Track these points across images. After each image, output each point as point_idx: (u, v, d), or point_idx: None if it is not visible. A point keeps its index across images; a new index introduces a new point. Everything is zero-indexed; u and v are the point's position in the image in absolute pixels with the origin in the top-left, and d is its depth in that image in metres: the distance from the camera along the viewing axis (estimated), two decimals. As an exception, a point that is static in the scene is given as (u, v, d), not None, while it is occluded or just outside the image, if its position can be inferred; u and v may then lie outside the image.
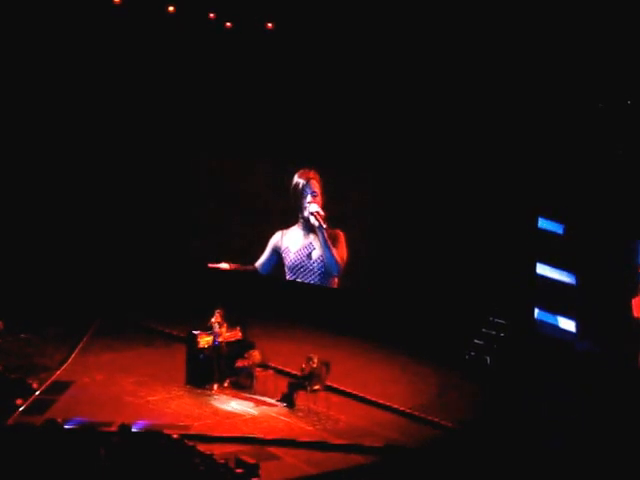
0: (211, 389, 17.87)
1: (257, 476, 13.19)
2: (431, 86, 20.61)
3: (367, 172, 22.39)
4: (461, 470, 15.02)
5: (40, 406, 16.45)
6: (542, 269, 19.59)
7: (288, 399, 17.16)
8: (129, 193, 24.30)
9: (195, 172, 24.38)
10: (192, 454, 13.30)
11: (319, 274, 22.78)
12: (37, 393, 17.06)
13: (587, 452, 15.56)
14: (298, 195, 22.65)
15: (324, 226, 22.17)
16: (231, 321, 18.46)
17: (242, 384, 18.06)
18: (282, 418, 16.73)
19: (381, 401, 17.49)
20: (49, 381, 17.77)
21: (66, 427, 14.71)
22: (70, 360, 19.18)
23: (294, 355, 18.82)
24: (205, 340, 18.06)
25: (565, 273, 19.25)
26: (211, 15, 21.05)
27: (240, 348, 18.35)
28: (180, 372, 18.18)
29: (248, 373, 18.04)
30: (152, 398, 17.35)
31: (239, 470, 13.13)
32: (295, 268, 23.00)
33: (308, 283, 22.95)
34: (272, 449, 15.37)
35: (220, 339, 18.08)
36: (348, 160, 22.08)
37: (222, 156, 23.91)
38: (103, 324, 21.64)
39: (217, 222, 24.02)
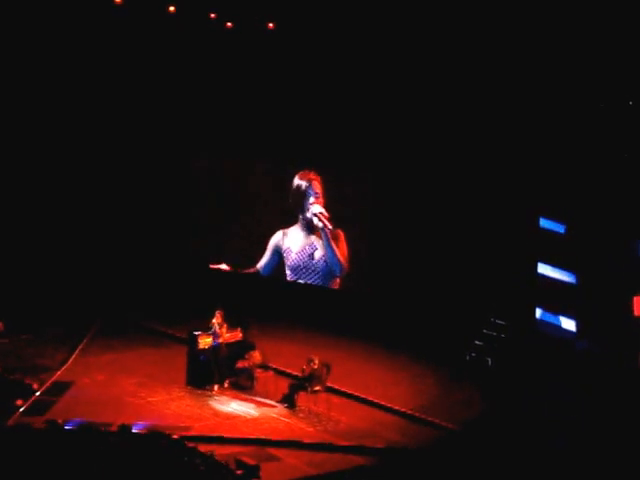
0: (211, 390, 17.85)
1: (258, 477, 13.19)
2: (432, 86, 20.59)
3: (367, 172, 22.37)
4: (462, 471, 15.00)
5: (40, 407, 16.42)
6: (543, 269, 19.58)
7: (289, 400, 17.14)
8: (129, 193, 24.28)
9: (195, 172, 24.37)
10: (192, 455, 13.29)
11: (321, 274, 22.76)
12: (37, 394, 17.03)
13: (588, 452, 15.54)
14: (300, 196, 22.63)
15: (330, 227, 22.14)
16: (231, 322, 18.44)
17: (242, 385, 18.04)
18: (283, 419, 16.71)
19: (382, 402, 17.47)
20: (49, 382, 17.74)
21: (66, 428, 14.71)
22: (70, 361, 19.15)
23: (295, 356, 18.81)
24: (205, 341, 18.04)
25: (566, 272, 19.24)
26: (212, 15, 21.01)
27: (240, 349, 18.34)
28: (181, 373, 18.16)
29: (249, 374, 18.03)
30: (152, 399, 17.32)
31: (240, 471, 13.14)
32: (297, 268, 22.99)
33: (309, 284, 22.94)
34: (273, 450, 15.34)
35: (220, 340, 18.05)
36: (348, 160, 22.06)
37: (222, 156, 23.90)
38: (103, 324, 21.63)
39: (217, 222, 24.01)
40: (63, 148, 23.68)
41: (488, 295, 20.22)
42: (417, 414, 17.04)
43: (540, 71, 18.81)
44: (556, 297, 19.45)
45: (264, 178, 23.48)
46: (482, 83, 19.87)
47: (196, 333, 18.17)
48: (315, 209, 22.31)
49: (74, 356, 19.45)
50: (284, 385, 17.53)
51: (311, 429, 16.33)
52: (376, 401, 17.54)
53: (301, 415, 16.88)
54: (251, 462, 13.47)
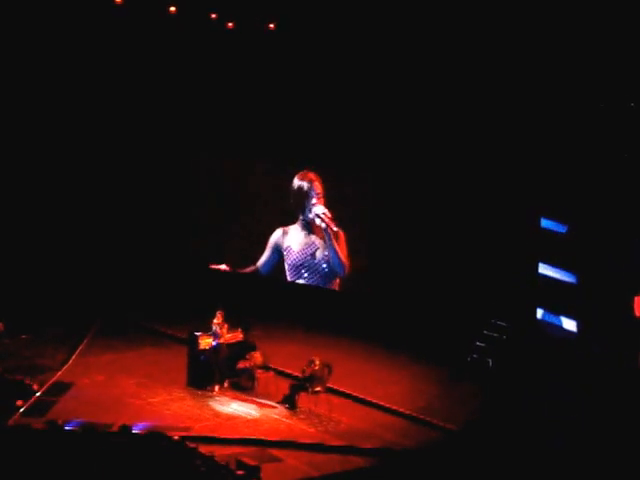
0: (212, 391, 17.82)
1: (258, 478, 13.20)
2: (432, 85, 20.58)
3: (367, 172, 22.35)
4: (463, 472, 14.99)
5: (40, 407, 16.40)
6: (544, 269, 19.57)
7: (289, 401, 17.12)
8: (129, 193, 24.27)
9: (195, 172, 24.36)
10: (193, 456, 13.28)
11: (323, 274, 22.76)
12: (37, 394, 17.01)
13: (588, 452, 15.53)
14: (302, 197, 22.62)
15: (335, 229, 22.10)
16: (232, 322, 18.41)
17: (243, 386, 18.02)
18: (283, 420, 16.69)
19: (383, 403, 17.45)
20: (49, 382, 17.70)
21: (66, 428, 14.70)
22: (70, 361, 19.13)
23: (295, 357, 18.79)
24: (206, 341, 18.02)
25: (567, 273, 19.22)
26: (213, 15, 20.99)
27: (241, 349, 18.31)
28: (181, 373, 18.14)
29: (249, 375, 18.00)
30: (153, 399, 17.30)
31: (240, 472, 13.12)
32: (298, 267, 22.98)
33: (309, 285, 22.92)
34: (273, 451, 15.32)
35: (221, 340, 18.03)
36: (348, 160, 22.05)
37: (222, 156, 23.89)
38: (104, 325, 21.62)
39: (217, 222, 24.00)
40: (63, 148, 23.66)
41: (489, 296, 20.20)
42: (418, 415, 17.02)
43: (541, 72, 18.79)
44: (557, 297, 19.43)
45: (264, 178, 23.48)
46: (483, 83, 19.85)
47: (197, 334, 18.15)
48: (318, 210, 22.31)
49: (74, 356, 19.43)
50: (285, 386, 17.52)
51: (312, 430, 16.30)
52: (377, 402, 17.52)
53: (302, 416, 16.86)
54: (252, 463, 13.46)
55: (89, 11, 21.64)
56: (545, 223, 19.54)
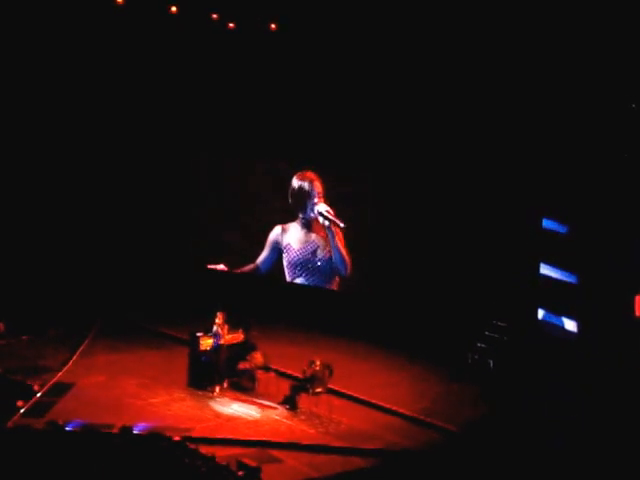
0: (213, 391, 17.80)
1: (259, 479, 13.17)
2: (432, 85, 20.57)
3: (367, 172, 22.33)
4: (463, 473, 14.98)
5: (41, 408, 16.37)
6: (545, 269, 19.56)
7: (290, 402, 17.11)
8: (129, 193, 24.27)
9: (195, 172, 24.35)
10: (193, 456, 13.29)
11: (322, 273, 22.77)
12: (38, 395, 16.99)
13: (588, 452, 15.52)
14: (303, 197, 22.60)
15: (341, 225, 22.06)
16: (233, 323, 18.40)
17: (244, 386, 18.00)
18: (284, 421, 16.68)
19: (383, 404, 17.44)
20: (50, 383, 17.69)
21: (67, 429, 14.72)
22: (71, 362, 19.12)
23: (296, 358, 18.78)
24: (207, 342, 18.01)
25: (567, 273, 19.22)
26: (214, 16, 20.98)
27: (242, 350, 18.31)
28: (182, 374, 18.13)
29: (250, 375, 17.99)
30: (154, 400, 17.28)
31: (241, 473, 13.13)
32: (298, 265, 22.99)
33: (309, 285, 22.91)
34: (274, 452, 15.30)
35: (222, 341, 18.01)
36: (348, 160, 22.04)
37: (222, 156, 23.88)
38: (104, 325, 21.61)
39: (217, 222, 24.00)
40: (64, 149, 23.65)
41: (490, 296, 20.19)
42: (419, 416, 17.00)
43: (542, 73, 18.78)
44: (558, 298, 19.42)
45: (264, 178, 23.46)
46: (484, 83, 19.84)
47: (198, 334, 18.14)
48: (321, 208, 22.30)
49: (75, 357, 19.42)
50: (285, 387, 17.50)
51: (312, 431, 16.28)
52: (377, 403, 17.50)
53: (302, 417, 16.84)
54: (252, 464, 13.43)
55: (90, 11, 21.61)
56: (546, 223, 19.53)
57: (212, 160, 24.14)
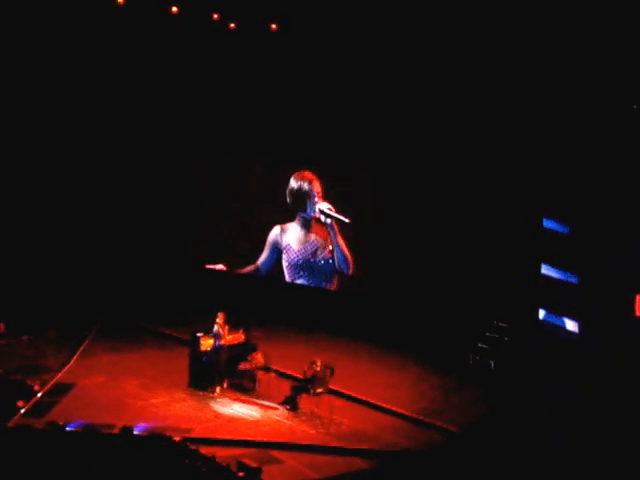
0: (213, 392, 17.79)
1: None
2: (433, 86, 20.56)
3: (367, 172, 22.31)
4: (464, 474, 14.96)
5: (41, 408, 16.37)
6: (546, 270, 19.55)
7: (291, 402, 17.09)
8: (129, 194, 24.27)
9: (195, 172, 24.35)
10: (194, 457, 13.29)
11: (322, 273, 22.77)
12: (39, 395, 17.00)
13: (588, 452, 15.51)
14: (303, 197, 22.61)
15: (347, 220, 22.03)
16: (233, 323, 18.38)
17: (245, 387, 17.99)
18: (285, 421, 16.66)
19: (384, 405, 17.42)
20: (51, 383, 17.70)
21: (67, 429, 14.71)
22: (72, 362, 19.13)
23: (297, 358, 18.76)
24: (208, 343, 17.99)
25: (568, 273, 19.20)
26: (215, 16, 20.97)
27: (243, 351, 18.30)
28: (182, 375, 18.12)
29: (251, 376, 17.98)
30: (154, 401, 17.27)
31: (241, 473, 13.13)
32: (298, 265, 22.99)
33: (309, 285, 22.90)
34: (274, 452, 15.28)
35: (222, 342, 17.99)
36: (348, 160, 22.03)
37: (222, 156, 23.87)
38: (104, 326, 21.61)
39: (217, 222, 24.00)
40: (64, 149, 23.63)
41: (491, 297, 20.17)
42: (419, 417, 16.99)
43: (544, 74, 18.76)
44: (559, 298, 19.41)
45: (264, 178, 23.45)
46: (485, 84, 19.83)
47: (198, 335, 18.12)
48: (322, 206, 22.31)
49: (75, 357, 19.43)
50: (286, 387, 17.49)
51: (313, 431, 16.27)
52: (378, 404, 17.49)
53: (303, 417, 16.82)
54: (253, 464, 13.44)
55: (91, 11, 21.60)
56: (547, 224, 19.51)
57: (212, 160, 24.13)
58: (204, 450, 13.78)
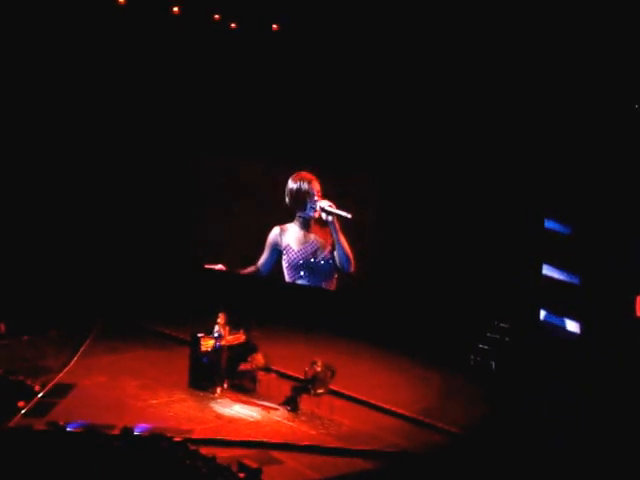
0: (214, 392, 17.76)
1: (260, 480, 13.15)
2: (434, 86, 20.55)
3: (367, 173, 22.29)
4: (465, 475, 14.95)
5: (42, 409, 16.34)
6: (547, 270, 19.54)
7: (292, 403, 17.07)
8: (129, 194, 24.26)
9: (195, 172, 24.35)
10: (194, 458, 13.28)
11: (322, 273, 22.77)
12: (39, 395, 16.97)
13: (588, 452, 15.51)
14: (303, 197, 22.61)
15: (349, 215, 22.01)
16: (234, 324, 18.37)
17: (245, 387, 17.97)
18: (285, 422, 16.64)
19: (385, 405, 17.41)
20: (51, 383, 17.66)
21: (68, 430, 14.69)
22: (72, 362, 19.10)
23: (297, 358, 18.75)
24: (208, 343, 17.97)
25: (569, 274, 19.19)
26: (216, 16, 20.97)
27: (243, 351, 18.28)
28: (183, 375, 18.10)
29: (251, 376, 17.96)
30: (155, 401, 17.25)
31: (242, 474, 13.11)
32: (298, 266, 22.99)
33: (309, 285, 22.89)
34: (275, 453, 15.27)
35: (223, 342, 17.98)
36: (348, 161, 22.02)
37: (222, 156, 23.87)
38: (105, 326, 21.59)
39: (217, 222, 23.99)
40: (64, 149, 23.62)
41: (492, 297, 20.16)
42: (420, 417, 16.98)
43: (545, 75, 18.76)
44: (560, 298, 19.40)
45: (264, 178, 23.45)
46: (486, 85, 19.81)
47: (199, 335, 18.10)
48: (323, 203, 22.32)
49: (76, 358, 19.41)
50: (287, 388, 17.46)
51: (314, 432, 16.25)
52: (379, 404, 17.47)
53: (304, 418, 16.81)
54: (253, 465, 13.41)
55: (92, 11, 21.60)
56: (548, 224, 19.51)
57: (212, 160, 24.13)
58: (204, 451, 13.78)
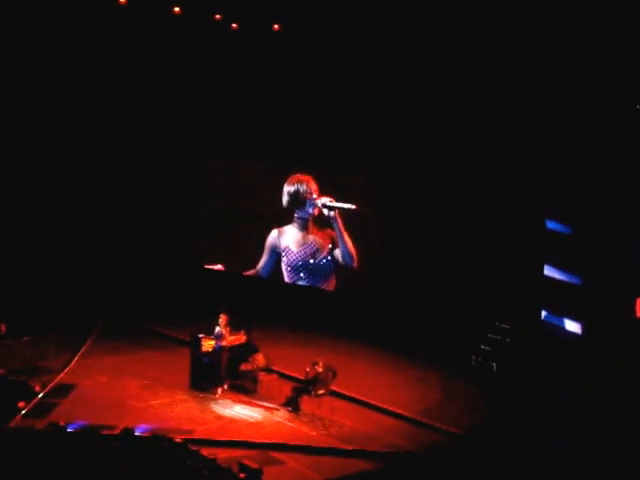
0: (215, 393, 17.76)
1: (260, 481, 13.16)
2: (435, 87, 20.54)
3: (367, 173, 22.26)
4: (466, 475, 14.95)
5: (43, 409, 16.35)
6: (548, 271, 19.53)
7: (293, 403, 17.06)
8: (129, 194, 24.26)
9: (195, 172, 24.35)
10: (195, 458, 13.28)
11: (322, 272, 22.77)
12: (40, 396, 16.98)
13: (588, 452, 15.49)
14: (302, 197, 22.61)
15: (352, 207, 21.99)
16: (234, 324, 18.37)
17: (246, 388, 17.97)
18: (286, 423, 16.64)
19: (386, 406, 17.40)
20: (52, 384, 17.69)
21: (69, 430, 14.70)
22: (73, 363, 19.13)
23: (298, 359, 18.74)
24: (209, 344, 17.97)
25: (571, 274, 19.19)
26: (217, 16, 20.96)
27: (244, 352, 18.28)
28: (184, 376, 18.10)
29: (252, 377, 17.95)
30: (155, 402, 17.26)
31: (242, 475, 13.11)
32: (297, 267, 22.99)
33: (309, 286, 22.89)
34: (276, 454, 15.27)
35: (224, 343, 17.97)
36: (349, 161, 22.00)
37: (222, 156, 23.87)
38: (105, 326, 21.59)
39: (216, 222, 23.99)
40: (64, 150, 23.62)
41: (493, 298, 20.15)
42: (421, 418, 16.97)
43: (546, 75, 18.75)
44: (560, 298, 19.40)
45: (264, 178, 23.45)
46: (487, 85, 19.80)
47: (200, 336, 18.10)
48: (323, 200, 22.32)
49: (76, 358, 19.43)
50: (288, 388, 17.46)
51: (314, 433, 16.25)
52: (380, 405, 17.46)
53: (304, 419, 16.81)
54: (254, 466, 13.43)
55: (93, 11, 21.59)
56: (550, 225, 19.50)
57: (212, 160, 24.12)
58: (205, 451, 13.78)
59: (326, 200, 22.33)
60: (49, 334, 20.62)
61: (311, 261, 22.86)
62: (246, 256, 23.60)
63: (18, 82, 22.68)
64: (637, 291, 18.06)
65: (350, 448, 15.62)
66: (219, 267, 23.80)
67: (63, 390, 17.47)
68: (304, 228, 22.85)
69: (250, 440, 15.69)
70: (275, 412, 17.03)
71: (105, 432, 14.84)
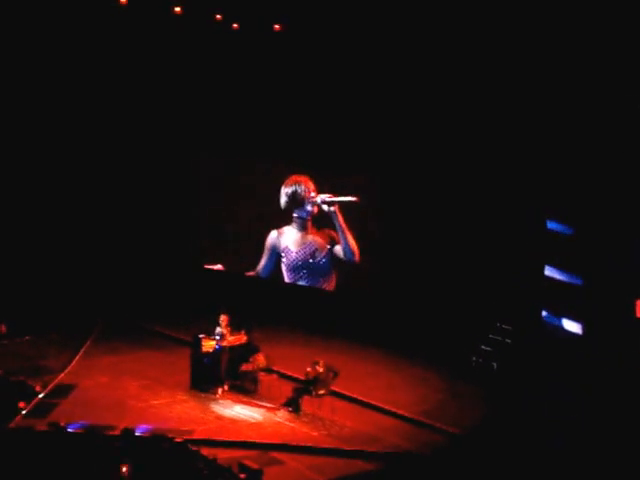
0: (215, 393, 17.76)
1: (260, 482, 13.15)
2: (435, 88, 20.53)
3: (367, 173, 22.26)
4: (466, 476, 14.95)
5: (43, 409, 16.35)
6: (548, 271, 19.53)
7: (293, 404, 17.05)
8: (129, 194, 24.25)
9: (195, 172, 24.34)
10: (195, 459, 13.30)
11: (322, 272, 22.75)
12: (40, 396, 16.97)
13: (588, 452, 15.49)
14: (300, 197, 22.59)
15: (354, 199, 21.94)
16: (235, 324, 18.36)
17: (246, 388, 17.96)
18: (286, 423, 16.63)
19: (386, 407, 17.39)
20: (52, 384, 17.68)
21: (69, 430, 14.69)
22: (73, 363, 19.12)
23: (299, 359, 18.73)
24: (209, 344, 17.97)
25: (572, 275, 19.18)
26: (217, 16, 20.96)
27: (245, 352, 18.26)
28: (184, 376, 18.09)
29: (252, 377, 17.94)
30: (156, 402, 17.25)
31: (242, 475, 13.12)
32: (297, 267, 22.97)
33: (309, 286, 22.89)
34: (276, 454, 15.26)
35: (224, 343, 17.96)
36: (349, 161, 21.98)
37: (222, 156, 23.86)
38: (106, 326, 21.58)
39: (216, 222, 23.98)
40: (64, 150, 23.61)
41: (494, 299, 20.14)
42: (421, 419, 16.96)
43: (546, 75, 18.74)
44: (560, 299, 19.39)
45: (264, 178, 23.44)
46: (487, 86, 19.80)
47: (200, 336, 18.09)
48: (323, 196, 22.31)
49: (77, 358, 19.43)
50: (288, 389, 17.45)
51: (315, 433, 16.24)
52: (380, 405, 17.45)
53: (305, 419, 16.80)
54: (254, 466, 13.44)
55: (93, 11, 21.59)
56: (551, 225, 19.50)
57: (212, 160, 24.12)
58: (205, 452, 13.80)
59: (325, 196, 22.33)
60: (49, 334, 20.62)
61: (310, 261, 22.86)
62: (246, 256, 23.57)
63: (18, 82, 22.65)
64: (637, 291, 18.05)
65: (351, 448, 15.60)
66: (219, 267, 23.78)
67: (63, 390, 17.46)
68: (303, 228, 22.84)
69: (250, 440, 15.68)
70: (275, 412, 17.01)
71: (105, 432, 14.85)
